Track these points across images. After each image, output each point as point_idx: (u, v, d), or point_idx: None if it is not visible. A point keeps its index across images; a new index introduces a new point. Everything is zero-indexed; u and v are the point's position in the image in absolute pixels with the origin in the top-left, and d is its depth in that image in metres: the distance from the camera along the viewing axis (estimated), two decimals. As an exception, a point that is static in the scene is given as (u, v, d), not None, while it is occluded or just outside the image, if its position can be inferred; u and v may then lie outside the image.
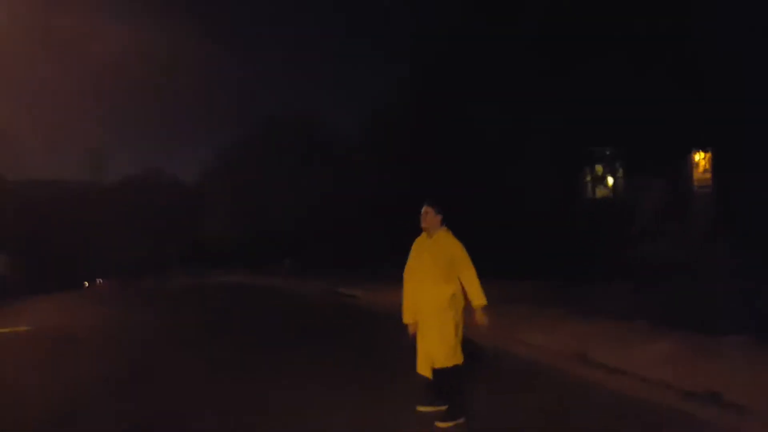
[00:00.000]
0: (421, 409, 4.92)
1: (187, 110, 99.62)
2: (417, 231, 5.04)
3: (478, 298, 4.71)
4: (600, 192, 18.10)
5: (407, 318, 4.98)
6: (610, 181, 18.01)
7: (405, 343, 5.21)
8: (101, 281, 45.40)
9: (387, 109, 24.79)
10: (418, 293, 4.85)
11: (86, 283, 45.12)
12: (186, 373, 7.34)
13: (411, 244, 5.09)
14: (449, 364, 4.66)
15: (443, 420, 4.59)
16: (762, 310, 7.30)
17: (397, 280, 5.18)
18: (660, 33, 12.33)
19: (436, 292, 4.72)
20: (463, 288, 4.78)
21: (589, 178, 18.08)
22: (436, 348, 4.70)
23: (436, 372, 4.73)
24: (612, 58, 12.90)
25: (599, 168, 17.90)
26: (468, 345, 4.98)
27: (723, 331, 6.85)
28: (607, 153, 17.56)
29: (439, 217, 4.86)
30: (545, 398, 5.39)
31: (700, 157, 15.23)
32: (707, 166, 15.08)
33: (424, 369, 4.85)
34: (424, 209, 4.88)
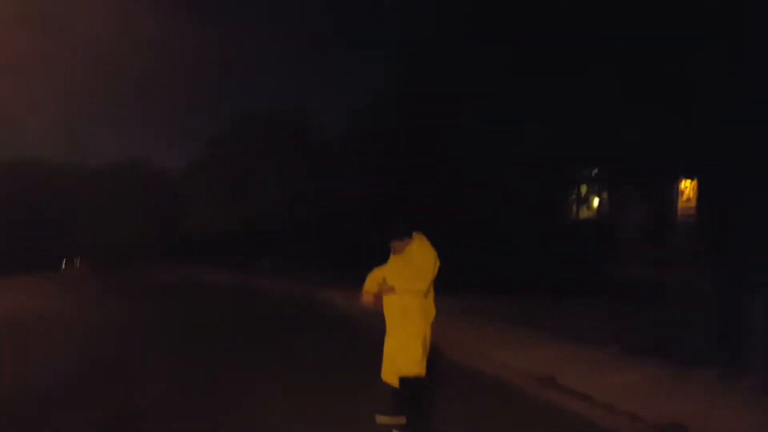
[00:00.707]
0: (381, 419, 4.77)
1: (176, 102, 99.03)
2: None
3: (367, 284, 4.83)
4: (583, 213, 18.10)
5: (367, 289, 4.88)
6: (595, 202, 18.01)
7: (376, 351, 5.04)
8: (78, 262, 44.75)
9: (371, 108, 24.61)
10: (385, 300, 4.77)
11: (64, 262, 44.54)
12: (146, 374, 7.11)
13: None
14: (411, 373, 4.55)
15: None
16: (736, 339, 7.23)
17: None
18: (649, 55, 12.28)
19: (403, 302, 4.64)
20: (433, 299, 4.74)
21: (573, 197, 18.07)
22: (399, 356, 4.62)
23: (399, 380, 4.64)
24: (599, 78, 12.84)
25: (584, 188, 17.90)
26: (437, 359, 4.84)
27: (696, 361, 6.76)
28: (593, 174, 17.55)
29: (404, 240, 4.75)
30: (509, 420, 5.25)
31: (685, 184, 15.27)
32: (692, 194, 15.12)
33: (387, 376, 4.76)
34: (391, 244, 4.81)
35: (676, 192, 15.77)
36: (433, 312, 4.75)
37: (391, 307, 4.74)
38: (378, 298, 4.80)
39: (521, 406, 5.75)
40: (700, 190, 14.47)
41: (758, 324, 6.79)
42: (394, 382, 4.69)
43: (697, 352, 7.08)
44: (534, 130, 14.06)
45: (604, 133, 13.79)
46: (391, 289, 4.68)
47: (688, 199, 15.07)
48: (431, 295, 4.76)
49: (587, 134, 13.89)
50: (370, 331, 5.37)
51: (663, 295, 10.96)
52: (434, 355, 4.79)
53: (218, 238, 44.30)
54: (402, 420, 4.58)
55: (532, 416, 5.42)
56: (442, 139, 17.11)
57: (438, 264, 4.71)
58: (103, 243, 51.43)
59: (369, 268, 4.93)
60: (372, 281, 4.83)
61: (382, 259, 4.96)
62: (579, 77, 12.76)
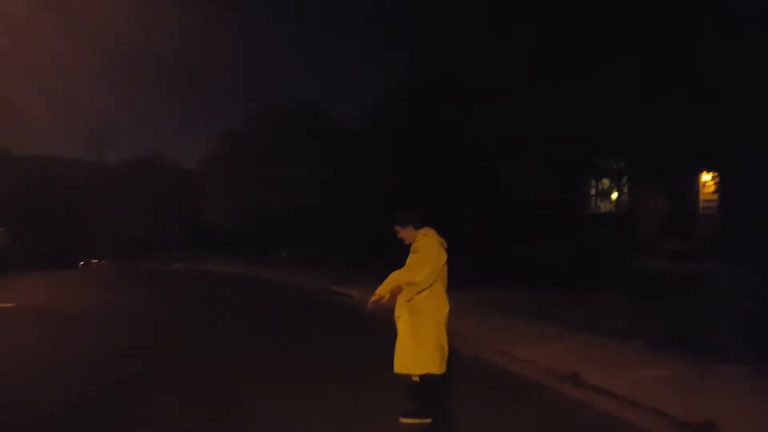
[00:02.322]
0: (405, 420, 4.70)
1: (191, 97, 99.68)
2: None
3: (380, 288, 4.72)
4: (605, 206, 17.89)
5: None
6: (615, 195, 17.79)
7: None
8: (96, 262, 45.20)
9: (389, 101, 24.48)
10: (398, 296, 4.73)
11: (82, 263, 44.93)
12: (166, 364, 7.13)
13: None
14: (428, 371, 4.47)
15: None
16: (762, 336, 7.06)
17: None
18: (672, 49, 12.05)
19: (409, 298, 4.61)
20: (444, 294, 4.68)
21: (594, 192, 17.86)
22: (412, 354, 4.55)
23: (420, 378, 4.59)
24: (623, 70, 12.61)
25: (606, 181, 17.68)
26: (454, 355, 4.76)
27: (721, 357, 6.61)
28: (615, 167, 17.32)
29: (409, 228, 4.72)
30: (534, 417, 5.17)
31: (707, 177, 15.02)
32: (714, 187, 14.87)
33: (399, 369, 4.67)
34: (395, 230, 4.78)
35: (697, 185, 15.53)
36: (445, 309, 4.63)
37: (400, 306, 4.70)
38: (391, 297, 4.74)
39: (545, 404, 5.65)
40: (723, 182, 14.22)
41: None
42: (408, 374, 4.62)
43: (723, 347, 6.92)
44: (555, 122, 13.88)
45: (625, 125, 13.59)
46: (400, 289, 4.64)
47: (712, 191, 14.82)
48: (441, 290, 4.64)
49: (609, 126, 13.70)
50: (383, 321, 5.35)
51: (685, 289, 10.78)
52: (451, 351, 4.69)
53: (234, 231, 44.59)
54: (427, 421, 4.51)
55: (557, 414, 5.32)
56: (461, 132, 16.96)
57: (444, 257, 4.62)
58: (119, 239, 52.03)
59: (382, 259, 4.88)
60: (387, 285, 4.73)
61: (395, 249, 4.88)
62: (603, 66, 12.55)
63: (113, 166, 57.76)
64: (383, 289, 4.71)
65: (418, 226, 4.71)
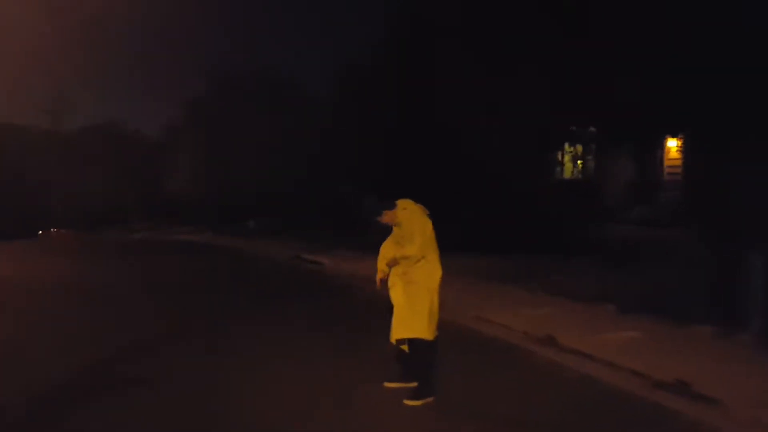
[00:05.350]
0: (389, 385, 4.74)
1: (152, 65, 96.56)
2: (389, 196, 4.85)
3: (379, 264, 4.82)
4: (571, 172, 18.12)
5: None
6: (582, 162, 18.03)
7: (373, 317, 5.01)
8: (56, 231, 43.91)
9: (359, 67, 24.14)
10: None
11: (40, 232, 43.62)
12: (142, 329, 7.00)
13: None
14: (418, 336, 4.51)
15: (412, 398, 4.45)
16: (727, 298, 7.31)
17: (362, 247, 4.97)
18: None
19: (404, 269, 4.65)
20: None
21: (563, 158, 18.04)
22: (405, 320, 4.58)
23: (408, 344, 4.63)
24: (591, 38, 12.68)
25: (568, 148, 17.87)
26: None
27: (691, 319, 6.83)
28: (579, 132, 17.48)
29: (390, 211, 4.69)
30: (513, 380, 5.26)
31: (673, 144, 15.32)
32: (678, 154, 15.18)
33: (395, 337, 4.71)
34: (376, 221, 4.76)
35: (662, 151, 15.82)
36: (438, 274, 4.67)
37: (394, 275, 4.73)
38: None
39: (523, 366, 5.76)
40: (687, 148, 14.51)
41: (752, 281, 6.84)
42: (397, 340, 4.66)
43: (691, 309, 7.14)
44: (521, 86, 13.90)
45: (591, 89, 13.68)
46: (395, 261, 4.66)
47: (676, 157, 15.13)
48: (433, 256, 4.67)
49: (575, 91, 13.78)
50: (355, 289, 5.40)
51: (651, 255, 11.05)
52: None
53: (199, 201, 43.84)
54: (413, 385, 4.55)
55: (535, 376, 5.43)
56: (428, 98, 16.86)
57: (429, 224, 4.66)
58: (79, 208, 50.63)
59: (349, 230, 4.88)
60: (382, 260, 4.80)
61: (361, 222, 4.85)
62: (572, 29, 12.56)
63: (72, 134, 55.84)
64: (382, 264, 4.78)
65: (392, 206, 4.70)
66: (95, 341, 6.67)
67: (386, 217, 4.71)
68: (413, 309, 4.55)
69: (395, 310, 4.70)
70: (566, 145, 18.01)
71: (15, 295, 11.01)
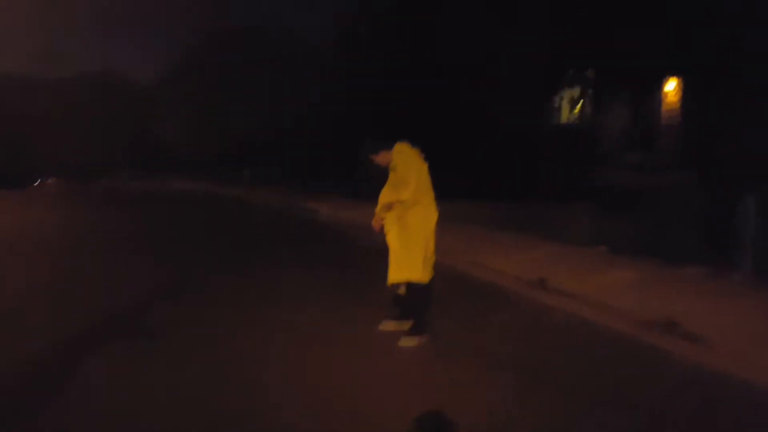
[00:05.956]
0: (384, 328, 4.81)
1: (146, 13, 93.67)
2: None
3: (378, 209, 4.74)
4: (568, 117, 17.91)
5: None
6: (579, 107, 17.80)
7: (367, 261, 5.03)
8: (51, 180, 43.60)
9: (355, 20, 23.58)
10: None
11: (37, 182, 43.27)
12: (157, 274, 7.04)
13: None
14: (413, 279, 4.55)
15: (407, 338, 4.52)
16: (720, 241, 7.38)
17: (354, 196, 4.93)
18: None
19: (398, 213, 4.65)
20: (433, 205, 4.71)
21: (561, 104, 17.79)
22: (401, 263, 4.61)
23: (405, 287, 4.67)
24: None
25: (576, 92, 17.56)
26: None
27: (683, 261, 6.90)
28: (576, 76, 17.16)
29: (382, 152, 4.71)
30: (506, 321, 5.34)
31: (671, 87, 15.07)
32: (676, 97, 14.95)
33: (390, 280, 4.73)
34: (370, 160, 4.79)
35: (660, 95, 15.59)
36: (433, 218, 4.68)
37: (389, 219, 4.73)
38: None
39: (515, 308, 5.85)
40: (686, 90, 14.29)
41: (744, 223, 6.89)
42: (394, 284, 4.70)
43: (684, 252, 7.21)
44: (521, 28, 13.60)
45: (588, 32, 13.39)
46: (391, 206, 4.66)
47: (673, 102, 14.92)
48: (429, 200, 4.67)
49: (571, 33, 13.49)
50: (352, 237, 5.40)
51: (646, 200, 11.08)
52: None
53: (193, 151, 43.50)
54: (407, 325, 4.62)
55: (527, 317, 5.52)
56: (428, 40, 16.51)
57: (425, 167, 4.67)
58: (73, 157, 50.17)
59: (344, 179, 4.83)
60: (381, 205, 4.76)
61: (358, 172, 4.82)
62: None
63: (61, 82, 54.76)
64: (380, 209, 4.76)
65: (390, 147, 4.67)
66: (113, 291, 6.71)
67: (381, 157, 4.70)
68: (408, 253, 4.58)
69: (391, 254, 4.73)
70: (565, 90, 17.73)
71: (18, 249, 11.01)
